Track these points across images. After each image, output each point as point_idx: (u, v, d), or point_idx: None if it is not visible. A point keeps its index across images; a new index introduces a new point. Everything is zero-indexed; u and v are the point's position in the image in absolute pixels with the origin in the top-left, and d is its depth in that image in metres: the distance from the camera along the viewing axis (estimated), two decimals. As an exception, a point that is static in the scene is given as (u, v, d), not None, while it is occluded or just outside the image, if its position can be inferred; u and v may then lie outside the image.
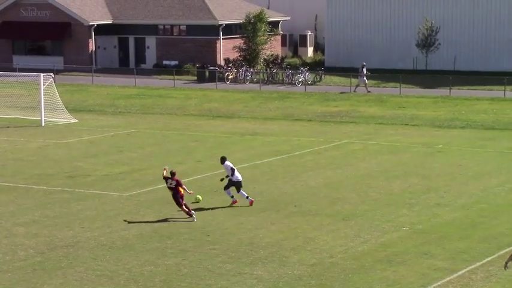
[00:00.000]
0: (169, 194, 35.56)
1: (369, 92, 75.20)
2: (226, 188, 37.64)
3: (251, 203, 37.30)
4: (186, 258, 30.34)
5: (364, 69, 76.12)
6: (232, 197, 37.54)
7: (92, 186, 41.88)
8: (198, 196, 36.84)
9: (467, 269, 29.00)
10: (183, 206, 35.09)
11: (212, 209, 37.19)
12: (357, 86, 76.17)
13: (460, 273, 28.59)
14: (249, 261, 29.87)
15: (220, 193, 39.64)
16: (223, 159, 37.94)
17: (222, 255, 30.54)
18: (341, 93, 76.29)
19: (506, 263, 25.64)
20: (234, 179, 37.36)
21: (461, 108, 66.89)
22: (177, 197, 35.08)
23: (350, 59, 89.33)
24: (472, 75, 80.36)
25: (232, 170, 37.36)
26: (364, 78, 75.75)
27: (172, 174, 35.36)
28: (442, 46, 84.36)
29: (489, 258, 30.04)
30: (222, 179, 37.95)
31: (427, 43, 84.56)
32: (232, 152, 50.75)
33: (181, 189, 35.16)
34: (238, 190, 37.45)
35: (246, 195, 37.42)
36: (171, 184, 35.22)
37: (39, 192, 40.54)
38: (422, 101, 71.16)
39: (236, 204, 37.44)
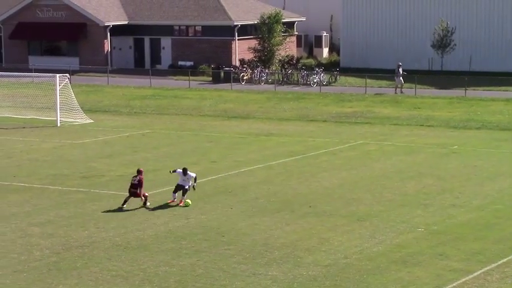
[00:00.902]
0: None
1: (402, 93, 74.93)
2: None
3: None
4: (200, 258, 30.35)
5: (400, 69, 75.65)
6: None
7: (106, 186, 41.96)
8: (187, 201, 37.70)
9: (483, 270, 28.93)
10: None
11: (226, 209, 37.21)
12: (396, 87, 75.72)
13: (475, 274, 28.52)
14: (263, 262, 29.86)
15: (234, 193, 39.71)
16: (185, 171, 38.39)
17: (237, 256, 30.54)
18: (356, 94, 76.23)
19: None
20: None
21: (476, 109, 66.78)
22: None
23: (365, 59, 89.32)
24: (487, 75, 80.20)
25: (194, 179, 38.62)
26: (401, 78, 75.32)
27: (139, 172, 37.40)
28: (457, 47, 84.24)
29: (504, 260, 29.97)
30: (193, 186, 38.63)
31: (442, 44, 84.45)
32: (247, 152, 50.86)
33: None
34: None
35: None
36: (134, 181, 37.30)
37: (54, 193, 40.63)
38: (437, 101, 71.08)
39: (251, 205, 37.45)
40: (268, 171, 45.44)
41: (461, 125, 60.48)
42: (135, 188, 37.18)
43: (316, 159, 48.70)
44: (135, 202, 38.25)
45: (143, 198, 37.32)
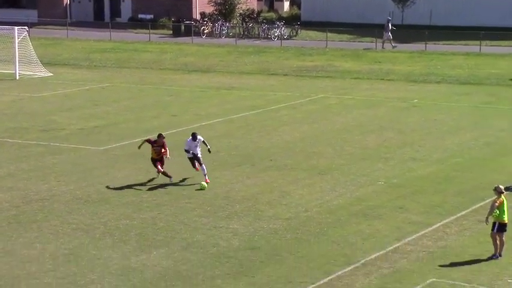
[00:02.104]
0: (147, 145, 35.32)
1: (394, 46, 74.57)
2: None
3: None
4: (161, 212, 30.38)
5: (390, 24, 75.26)
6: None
7: (67, 140, 41.78)
8: (202, 183, 33.29)
9: (441, 223, 29.18)
10: None
11: (187, 163, 37.17)
12: (384, 41, 75.41)
13: (434, 227, 28.76)
14: (224, 215, 29.94)
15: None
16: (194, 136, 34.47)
17: (198, 209, 30.59)
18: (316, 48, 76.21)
19: (487, 218, 25.83)
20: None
21: (436, 63, 67.01)
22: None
23: (326, 13, 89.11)
24: (448, 29, 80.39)
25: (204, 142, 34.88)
26: (389, 33, 74.92)
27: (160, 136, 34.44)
28: (418, 1, 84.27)
29: (463, 212, 30.24)
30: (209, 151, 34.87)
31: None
32: (208, 106, 50.79)
33: None
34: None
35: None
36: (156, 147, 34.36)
37: (13, 146, 40.42)
38: (397, 55, 71.25)
39: (211, 159, 37.46)
40: (229, 125, 45.44)
41: (421, 79, 60.69)
42: (159, 154, 33.99)
43: (277, 113, 48.73)
44: (111, 157, 38.19)
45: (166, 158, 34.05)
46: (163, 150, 34.03)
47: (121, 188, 33.38)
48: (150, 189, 33.19)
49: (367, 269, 25.12)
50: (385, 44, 75.32)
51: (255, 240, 27.59)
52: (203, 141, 34.43)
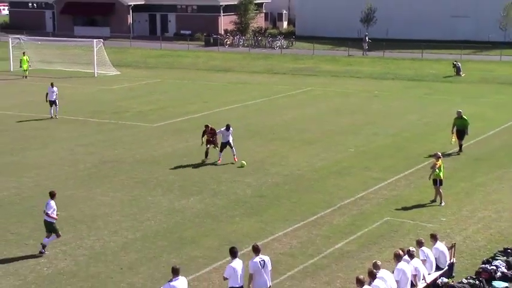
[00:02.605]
0: (186, 123, 35.20)
1: (367, 55, 73.64)
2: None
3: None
4: (197, 170, 30.38)
5: (367, 38, 74.68)
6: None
7: (130, 119, 41.77)
8: (242, 162, 30.84)
9: (394, 178, 29.14)
10: None
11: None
12: (364, 50, 74.42)
13: (389, 181, 28.74)
14: (241, 173, 29.93)
15: (221, 125, 39.59)
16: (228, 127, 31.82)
17: (222, 168, 30.61)
18: (306, 54, 75.88)
19: (430, 176, 25.82)
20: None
21: (391, 66, 66.61)
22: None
23: (314, 30, 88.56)
24: (399, 41, 79.88)
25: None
26: (366, 44, 74.04)
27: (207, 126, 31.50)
28: (378, 21, 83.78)
29: (410, 171, 30.20)
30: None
31: (367, 19, 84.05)
32: (230, 95, 50.67)
33: None
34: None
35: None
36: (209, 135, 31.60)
37: (93, 123, 40.45)
38: (363, 60, 70.87)
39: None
40: (245, 109, 45.34)
41: (380, 77, 60.40)
42: (212, 140, 31.74)
43: (278, 101, 48.60)
44: (161, 131, 38.18)
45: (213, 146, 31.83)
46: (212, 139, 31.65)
47: (167, 153, 33.39)
48: (188, 154, 33.18)
49: (341, 211, 25.13)
50: (364, 52, 74.57)
51: (262, 190, 27.61)
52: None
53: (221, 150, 31.62)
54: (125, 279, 19.37)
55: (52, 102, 41.50)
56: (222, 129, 31.73)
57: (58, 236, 21.25)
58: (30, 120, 41.05)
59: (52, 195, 21.25)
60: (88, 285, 19.01)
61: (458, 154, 32.92)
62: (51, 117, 41.40)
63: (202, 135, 32.06)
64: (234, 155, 31.61)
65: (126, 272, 19.82)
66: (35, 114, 42.72)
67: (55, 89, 41.75)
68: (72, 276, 19.58)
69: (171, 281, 15.72)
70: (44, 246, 21.07)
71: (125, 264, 20.34)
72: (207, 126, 32.21)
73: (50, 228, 21.13)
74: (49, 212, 20.98)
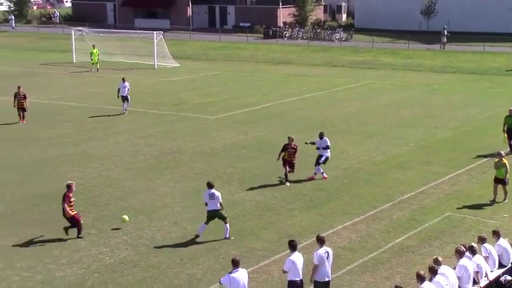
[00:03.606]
0: (245, 115, 35.24)
1: (444, 48, 72.11)
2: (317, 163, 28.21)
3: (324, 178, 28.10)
4: (256, 162, 30.44)
5: (446, 31, 72.97)
6: (322, 172, 28.16)
7: (190, 111, 42.05)
8: (124, 216, 22.85)
9: (455, 173, 28.76)
10: None
11: (274, 128, 37.09)
12: (442, 44, 72.83)
13: (450, 176, 28.37)
14: (300, 166, 29.72)
15: (279, 117, 39.55)
16: (321, 135, 28.61)
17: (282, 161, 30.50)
18: (365, 47, 75.32)
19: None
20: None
21: (452, 59, 65.63)
22: None
23: (373, 22, 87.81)
24: (461, 34, 78.63)
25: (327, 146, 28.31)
26: (444, 38, 72.51)
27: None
28: (439, 13, 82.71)
29: (471, 166, 29.76)
30: (306, 143, 29.12)
31: (428, 11, 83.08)
32: (288, 88, 50.61)
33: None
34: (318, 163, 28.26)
35: (322, 170, 28.20)
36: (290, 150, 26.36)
37: (153, 115, 40.83)
38: (424, 53, 69.99)
39: (291, 126, 37.28)
40: (304, 101, 45.24)
41: (441, 70, 59.64)
42: (291, 162, 27.57)
43: (338, 94, 48.36)
44: (220, 123, 38.34)
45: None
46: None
47: (227, 145, 33.52)
48: (248, 146, 33.26)
49: (401, 205, 24.90)
50: (441, 46, 72.77)
51: (322, 183, 27.51)
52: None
53: (317, 163, 28.07)
54: (185, 270, 19.53)
55: (124, 98, 40.74)
56: (316, 140, 28.45)
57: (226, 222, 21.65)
58: (92, 112, 41.62)
59: (210, 186, 21.68)
60: (148, 275, 19.23)
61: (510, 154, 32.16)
62: (124, 112, 40.64)
63: (282, 151, 27.58)
64: (322, 173, 28.02)
65: (186, 263, 19.99)
66: (98, 106, 43.33)
67: (127, 84, 40.95)
68: (133, 265, 19.82)
69: (231, 272, 15.79)
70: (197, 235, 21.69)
71: (185, 255, 20.51)
72: (289, 139, 27.66)
73: (220, 216, 21.56)
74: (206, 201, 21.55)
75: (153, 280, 18.91)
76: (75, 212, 21.78)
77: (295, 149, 27.50)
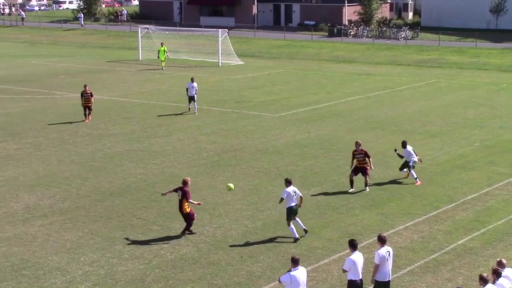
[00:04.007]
0: (308, 114, 35.23)
1: None
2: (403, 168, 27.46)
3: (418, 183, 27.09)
4: (317, 161, 30.33)
5: None
6: (415, 178, 27.09)
7: (253, 109, 42.17)
8: (229, 184, 23.18)
9: (522, 174, 28.19)
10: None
11: (336, 127, 36.94)
12: None
13: (516, 177, 27.83)
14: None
15: (342, 116, 39.36)
16: (404, 144, 27.53)
17: (343, 160, 30.34)
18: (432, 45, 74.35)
19: None
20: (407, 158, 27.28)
21: (521, 58, 64.47)
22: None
23: (440, 20, 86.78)
24: (530, 33, 77.24)
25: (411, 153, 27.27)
26: None
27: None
28: (509, 11, 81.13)
29: (538, 167, 29.11)
30: (396, 150, 27.89)
31: (497, 9, 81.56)
32: (352, 87, 50.31)
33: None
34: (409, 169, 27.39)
35: (415, 176, 27.18)
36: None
37: (216, 112, 41.07)
38: (492, 51, 68.76)
39: (354, 124, 37.07)
40: (367, 100, 44.91)
41: (509, 69, 58.48)
42: (363, 169, 25.93)
43: (402, 93, 47.87)
44: (283, 121, 38.32)
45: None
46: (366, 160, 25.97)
47: (289, 144, 33.49)
48: (310, 144, 33.17)
49: (464, 206, 24.49)
50: None
51: (383, 183, 27.25)
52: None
53: (403, 168, 27.37)
54: (245, 268, 19.58)
55: (191, 98, 40.21)
56: (404, 149, 27.27)
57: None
58: (157, 109, 42.10)
59: (288, 183, 21.59)
60: (209, 271, 19.34)
61: None
62: (189, 110, 40.48)
63: (352, 158, 26.14)
64: (415, 178, 27.11)
65: (246, 260, 20.04)
66: (162, 103, 43.81)
67: (195, 84, 40.09)
68: (194, 262, 19.97)
69: (290, 270, 15.76)
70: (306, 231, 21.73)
71: (245, 253, 20.57)
72: (357, 144, 26.17)
73: (296, 212, 21.58)
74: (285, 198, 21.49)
75: (212, 277, 19.01)
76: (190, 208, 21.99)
77: (365, 154, 25.96)
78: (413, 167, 27.37)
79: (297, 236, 21.42)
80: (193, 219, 22.00)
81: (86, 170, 29.03)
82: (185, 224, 21.98)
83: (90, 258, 20.17)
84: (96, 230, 22.31)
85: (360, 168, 26.00)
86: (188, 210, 21.78)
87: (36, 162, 30.28)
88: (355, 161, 26.02)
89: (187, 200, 21.68)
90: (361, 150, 26.00)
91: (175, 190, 22.03)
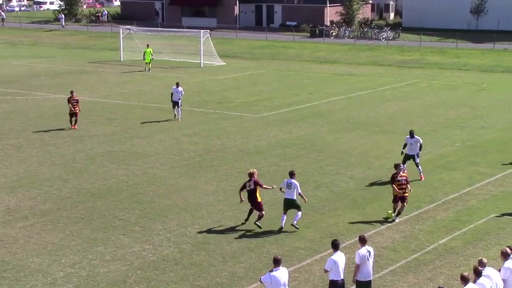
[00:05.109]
0: (290, 114, 35.27)
1: None
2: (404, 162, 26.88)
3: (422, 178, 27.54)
4: (299, 161, 30.38)
5: None
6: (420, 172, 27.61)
7: (234, 109, 42.15)
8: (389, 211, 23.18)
9: (502, 174, 28.34)
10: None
11: (318, 127, 37.05)
12: None
13: (496, 176, 27.97)
14: (344, 165, 29.76)
15: (324, 116, 39.43)
16: (411, 133, 27.81)
17: (325, 160, 30.46)
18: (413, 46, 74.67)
19: None
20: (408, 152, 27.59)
21: (501, 58, 64.78)
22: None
23: (421, 21, 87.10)
24: (510, 33, 77.57)
25: (420, 146, 27.66)
26: None
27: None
28: (489, 12, 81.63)
29: (519, 167, 29.32)
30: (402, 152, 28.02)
31: (477, 10, 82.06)
32: (334, 87, 50.42)
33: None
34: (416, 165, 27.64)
35: (420, 169, 27.67)
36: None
37: (198, 113, 41.02)
38: (472, 52, 69.16)
39: (335, 125, 37.17)
40: (348, 100, 45.03)
41: (489, 70, 58.87)
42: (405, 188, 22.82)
43: (383, 93, 48.04)
44: (264, 122, 38.29)
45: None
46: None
47: (271, 144, 33.51)
48: (292, 145, 33.21)
49: (446, 206, 24.62)
50: None
51: (365, 183, 27.34)
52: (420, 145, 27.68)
53: (404, 162, 26.82)
54: (227, 268, 19.58)
55: (175, 103, 38.72)
56: (407, 136, 27.79)
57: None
58: (138, 110, 41.99)
59: (291, 175, 22.44)
60: (191, 272, 19.32)
61: None
62: (174, 117, 38.87)
63: (392, 182, 23.00)
64: (420, 173, 27.56)
65: (228, 261, 20.03)
66: (143, 104, 43.69)
67: (180, 89, 38.70)
68: (176, 263, 19.94)
69: (272, 271, 15.77)
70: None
71: (227, 254, 20.56)
72: (397, 167, 23.08)
73: (296, 205, 22.27)
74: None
75: (195, 278, 18.99)
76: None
77: (406, 180, 22.93)
78: (418, 162, 27.63)
79: (282, 225, 22.24)
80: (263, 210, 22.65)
81: (67, 171, 28.90)
82: (256, 214, 22.48)
83: (71, 260, 20.08)
84: (77, 232, 22.21)
85: (400, 197, 22.93)
86: (260, 199, 22.51)
87: (17, 163, 30.12)
88: (395, 185, 22.70)
89: (261, 187, 22.41)
90: (402, 174, 22.85)
91: (243, 187, 22.57)
